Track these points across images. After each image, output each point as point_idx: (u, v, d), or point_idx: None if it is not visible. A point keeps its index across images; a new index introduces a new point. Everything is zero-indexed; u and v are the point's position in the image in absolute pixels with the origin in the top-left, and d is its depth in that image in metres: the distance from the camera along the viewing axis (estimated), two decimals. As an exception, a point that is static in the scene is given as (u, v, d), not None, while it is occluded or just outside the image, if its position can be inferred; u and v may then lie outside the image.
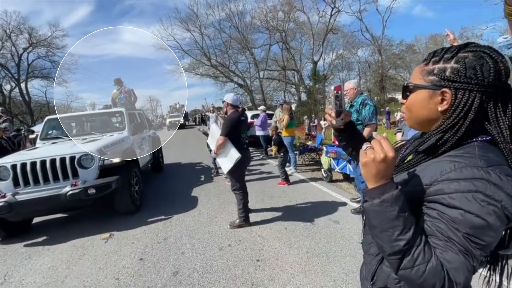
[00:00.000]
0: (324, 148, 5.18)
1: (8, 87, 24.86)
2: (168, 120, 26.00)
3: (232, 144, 2.98)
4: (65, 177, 3.30)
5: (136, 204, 3.89)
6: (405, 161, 0.74)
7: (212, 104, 8.41)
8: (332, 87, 0.87)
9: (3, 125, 5.58)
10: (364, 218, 0.83)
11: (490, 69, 0.57)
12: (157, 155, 6.29)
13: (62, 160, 3.29)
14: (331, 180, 4.99)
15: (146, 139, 5.61)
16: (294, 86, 26.55)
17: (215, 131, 3.23)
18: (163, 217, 3.68)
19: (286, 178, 4.90)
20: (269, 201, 4.07)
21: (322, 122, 15.27)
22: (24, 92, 25.12)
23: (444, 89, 0.62)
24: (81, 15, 75.07)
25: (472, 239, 0.53)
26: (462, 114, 0.60)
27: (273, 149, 5.20)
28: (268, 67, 25.06)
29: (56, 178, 3.28)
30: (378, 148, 0.59)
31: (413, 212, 0.58)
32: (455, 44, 2.37)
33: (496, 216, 0.52)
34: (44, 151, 3.51)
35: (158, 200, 4.46)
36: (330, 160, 4.87)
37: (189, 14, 23.68)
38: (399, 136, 3.04)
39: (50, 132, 4.63)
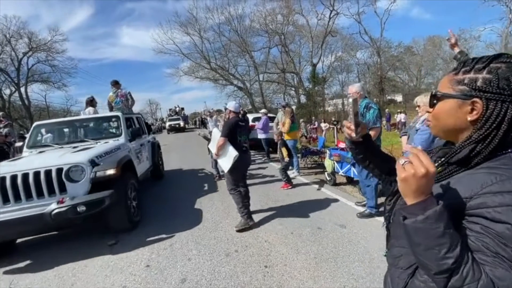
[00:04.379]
0: (327, 151, 5.17)
1: (7, 91, 24.89)
2: (168, 124, 25.93)
3: (230, 144, 3.16)
4: (51, 192, 2.88)
5: (134, 220, 3.49)
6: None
7: (212, 108, 8.36)
8: (350, 99, 0.84)
9: (5, 130, 5.57)
10: (388, 229, 0.82)
11: None
12: (157, 162, 5.90)
13: (48, 173, 2.87)
14: (335, 184, 4.98)
15: (145, 145, 5.27)
16: (293, 89, 26.66)
17: (216, 136, 3.33)
18: (166, 223, 3.66)
19: (288, 181, 4.89)
20: (274, 205, 4.05)
21: (322, 125, 15.29)
22: (24, 96, 25.15)
23: (475, 99, 0.61)
24: (81, 19, 75.26)
25: None
26: (494, 125, 0.59)
27: (284, 154, 4.90)
28: (267, 70, 25.17)
29: (40, 194, 2.85)
30: (417, 163, 0.57)
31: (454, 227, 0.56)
32: (456, 49, 2.37)
33: None
34: (27, 162, 3.10)
35: (160, 208, 4.34)
36: (334, 163, 4.86)
37: (189, 18, 23.83)
38: (404, 139, 3.05)
39: (39, 139, 4.24)
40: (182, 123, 24.01)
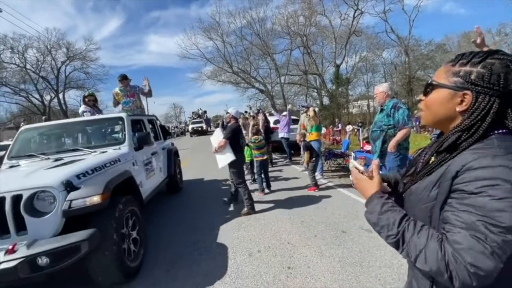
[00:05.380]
0: (352, 154, 5.04)
1: (48, 97, 27.15)
2: (190, 126, 26.59)
3: (230, 148, 3.77)
4: (4, 231, 1.95)
5: (129, 267, 2.37)
6: (429, 163, 0.76)
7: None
8: (351, 164, 0.94)
9: None
10: None
11: None
12: (173, 172, 4.93)
13: (1, 201, 1.95)
14: (360, 187, 4.83)
15: (159, 154, 4.41)
16: (315, 90, 26.24)
17: (218, 133, 3.99)
18: (189, 225, 3.76)
19: (315, 184, 4.84)
20: (296, 207, 4.02)
21: (347, 127, 14.89)
22: (62, 102, 27.30)
23: (466, 91, 0.65)
24: (112, 29, 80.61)
25: (491, 221, 0.54)
26: (479, 117, 0.64)
27: (305, 157, 4.88)
28: (289, 72, 25.02)
29: None
30: (354, 176, 0.87)
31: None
32: (484, 49, 2.15)
33: None
34: None
35: (177, 223, 4.27)
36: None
37: (212, 23, 24.40)
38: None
39: (25, 147, 3.36)
40: (204, 126, 24.56)
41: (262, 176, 4.89)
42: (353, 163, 0.89)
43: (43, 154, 3.12)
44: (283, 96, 25.31)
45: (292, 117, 7.69)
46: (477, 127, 0.64)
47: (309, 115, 5.64)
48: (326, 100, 25.02)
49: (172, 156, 5.05)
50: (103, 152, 3.08)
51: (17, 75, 24.87)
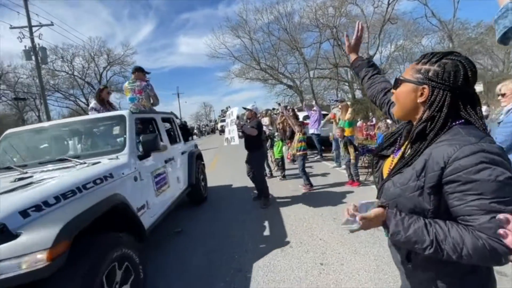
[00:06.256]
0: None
1: (93, 101, 29.80)
2: (219, 124, 27.14)
3: (259, 138, 4.14)
4: None
5: None
6: (404, 155, 0.86)
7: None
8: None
9: None
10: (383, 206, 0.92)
11: (461, 75, 0.73)
12: (196, 180, 4.17)
13: None
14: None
15: (176, 160, 3.67)
16: (347, 84, 25.20)
17: (235, 127, 3.99)
18: (223, 220, 3.89)
19: (358, 179, 4.78)
20: (328, 203, 3.94)
21: (388, 121, 14.10)
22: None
23: (424, 86, 0.78)
24: (145, 34, 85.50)
25: (500, 199, 0.63)
26: (437, 108, 0.75)
27: (351, 153, 4.70)
28: (318, 66, 24.31)
29: None
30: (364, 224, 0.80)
31: (439, 193, 0.72)
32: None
33: (507, 172, 0.64)
34: None
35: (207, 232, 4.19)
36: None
37: (239, 21, 24.57)
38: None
39: (7, 155, 2.74)
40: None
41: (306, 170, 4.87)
42: (349, 227, 0.83)
43: (24, 166, 2.44)
44: (312, 91, 24.71)
45: (322, 112, 7.50)
46: (438, 118, 0.75)
47: (343, 110, 5.45)
48: (358, 93, 23.92)
49: (194, 161, 4.28)
50: (95, 163, 2.26)
51: (67, 81, 27.56)
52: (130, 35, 77.95)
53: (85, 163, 2.31)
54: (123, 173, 2.27)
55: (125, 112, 2.86)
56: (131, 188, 2.34)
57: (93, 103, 3.94)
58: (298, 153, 4.73)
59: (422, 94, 0.78)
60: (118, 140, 2.76)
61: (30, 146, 2.93)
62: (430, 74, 0.77)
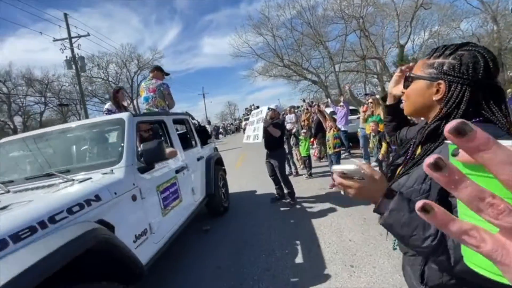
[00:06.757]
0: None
1: (125, 104, 31.83)
2: (243, 123, 27.41)
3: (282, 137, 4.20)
4: None
5: None
6: (415, 155, 0.79)
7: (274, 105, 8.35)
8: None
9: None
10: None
11: (481, 67, 0.65)
12: (215, 189, 3.71)
13: None
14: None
15: (190, 169, 3.17)
16: (375, 76, 24.02)
17: (261, 125, 3.78)
18: (250, 219, 3.93)
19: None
20: (358, 203, 3.77)
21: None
22: (136, 107, 31.61)
23: (439, 81, 0.70)
24: (171, 37, 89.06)
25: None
26: (454, 105, 0.68)
27: (382, 149, 4.32)
28: (344, 59, 23.42)
29: None
30: (346, 188, 0.68)
31: (446, 197, 0.62)
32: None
33: None
34: None
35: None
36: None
37: (261, 18, 24.50)
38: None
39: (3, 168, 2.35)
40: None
41: None
42: (338, 168, 0.68)
43: (10, 182, 2.11)
44: (338, 85, 23.92)
45: (350, 107, 7.23)
46: (454, 115, 0.68)
47: (375, 105, 5.20)
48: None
49: (213, 168, 3.82)
50: (83, 180, 1.84)
51: (102, 87, 29.66)
52: (157, 40, 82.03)
53: (72, 180, 1.87)
54: (115, 193, 1.81)
55: (124, 115, 2.40)
56: (126, 212, 1.90)
57: (108, 104, 3.69)
58: (333, 151, 4.55)
59: (438, 91, 0.71)
60: (114, 149, 2.30)
61: (21, 157, 2.51)
62: (445, 67, 0.70)
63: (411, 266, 0.80)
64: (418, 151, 0.79)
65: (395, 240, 0.88)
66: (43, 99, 25.57)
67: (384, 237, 2.78)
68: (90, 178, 1.89)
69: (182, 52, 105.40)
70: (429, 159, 0.20)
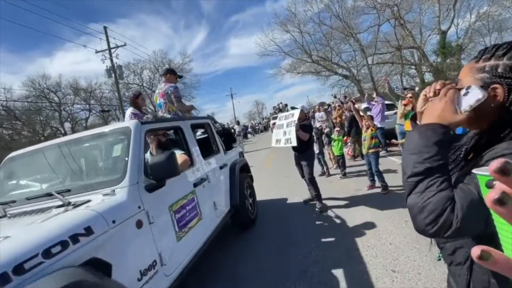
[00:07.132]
0: None
1: (130, 108, 33.91)
2: (272, 122, 27.32)
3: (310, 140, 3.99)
4: None
5: None
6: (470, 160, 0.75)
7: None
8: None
9: None
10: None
11: None
12: (241, 199, 3.36)
13: None
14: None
15: (212, 180, 2.85)
16: (413, 67, 22.38)
17: (293, 129, 3.64)
18: (284, 221, 3.93)
19: None
20: (398, 205, 3.58)
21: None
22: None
23: (495, 85, 0.63)
24: (199, 41, 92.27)
25: None
26: None
27: None
28: (377, 50, 22.17)
29: None
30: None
31: None
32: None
33: None
34: None
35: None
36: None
37: (287, 15, 24.17)
38: None
39: (8, 185, 2.19)
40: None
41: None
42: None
43: (13, 202, 1.94)
44: (372, 79, 22.72)
45: (386, 102, 6.84)
46: None
47: (415, 99, 4.87)
48: (429, 77, 20.99)
49: (238, 176, 3.43)
50: (80, 204, 1.56)
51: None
52: (186, 44, 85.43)
53: (68, 203, 1.57)
54: (113, 221, 1.47)
55: (131, 123, 2.05)
56: (128, 243, 1.57)
57: (131, 109, 3.36)
58: (371, 151, 4.27)
59: (495, 96, 0.63)
60: (118, 164, 1.92)
61: (26, 173, 2.29)
62: (499, 70, 0.62)
63: (454, 277, 0.77)
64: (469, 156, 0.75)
65: (439, 252, 0.85)
66: (87, 106, 28.12)
67: (429, 241, 2.60)
68: (89, 201, 1.60)
69: (210, 55, 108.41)
70: (493, 194, 0.22)
